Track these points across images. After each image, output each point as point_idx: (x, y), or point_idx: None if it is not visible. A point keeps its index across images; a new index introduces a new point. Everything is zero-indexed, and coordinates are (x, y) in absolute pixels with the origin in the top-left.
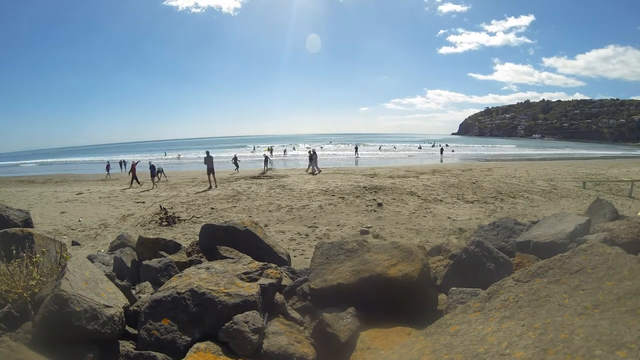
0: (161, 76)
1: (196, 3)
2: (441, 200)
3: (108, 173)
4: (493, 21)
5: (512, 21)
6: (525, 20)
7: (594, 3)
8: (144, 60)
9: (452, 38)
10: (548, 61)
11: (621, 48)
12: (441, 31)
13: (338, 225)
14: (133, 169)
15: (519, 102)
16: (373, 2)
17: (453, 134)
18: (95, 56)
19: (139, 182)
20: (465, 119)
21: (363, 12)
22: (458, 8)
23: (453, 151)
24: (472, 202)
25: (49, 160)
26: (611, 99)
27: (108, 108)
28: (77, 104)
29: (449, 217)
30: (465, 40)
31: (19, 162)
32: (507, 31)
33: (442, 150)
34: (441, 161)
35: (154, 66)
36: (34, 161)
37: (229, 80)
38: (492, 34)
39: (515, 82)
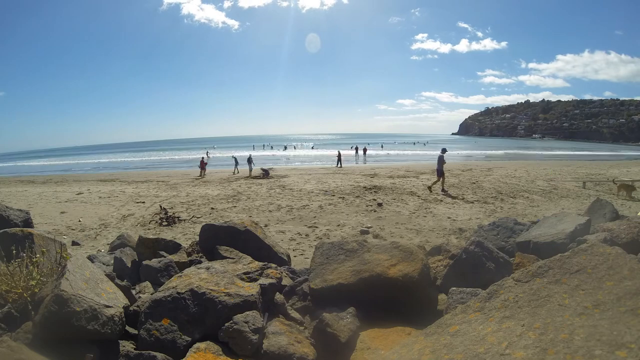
0: (165, 80)
1: (209, 19)
2: (441, 200)
3: None
4: (452, 32)
5: (469, 30)
6: (485, 29)
7: (559, 12)
8: (150, 66)
9: (419, 45)
10: (522, 65)
11: (592, 53)
12: (408, 42)
13: (338, 225)
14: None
15: (519, 102)
16: (353, 16)
17: (453, 133)
18: (118, 61)
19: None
20: (465, 119)
21: (344, 24)
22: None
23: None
24: (472, 202)
25: (47, 161)
26: (611, 99)
27: (118, 109)
28: (86, 105)
29: (449, 217)
30: (431, 47)
31: (18, 161)
32: (470, 40)
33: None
34: None
35: (160, 71)
36: (34, 161)
37: (231, 85)
38: (456, 42)
39: (496, 84)
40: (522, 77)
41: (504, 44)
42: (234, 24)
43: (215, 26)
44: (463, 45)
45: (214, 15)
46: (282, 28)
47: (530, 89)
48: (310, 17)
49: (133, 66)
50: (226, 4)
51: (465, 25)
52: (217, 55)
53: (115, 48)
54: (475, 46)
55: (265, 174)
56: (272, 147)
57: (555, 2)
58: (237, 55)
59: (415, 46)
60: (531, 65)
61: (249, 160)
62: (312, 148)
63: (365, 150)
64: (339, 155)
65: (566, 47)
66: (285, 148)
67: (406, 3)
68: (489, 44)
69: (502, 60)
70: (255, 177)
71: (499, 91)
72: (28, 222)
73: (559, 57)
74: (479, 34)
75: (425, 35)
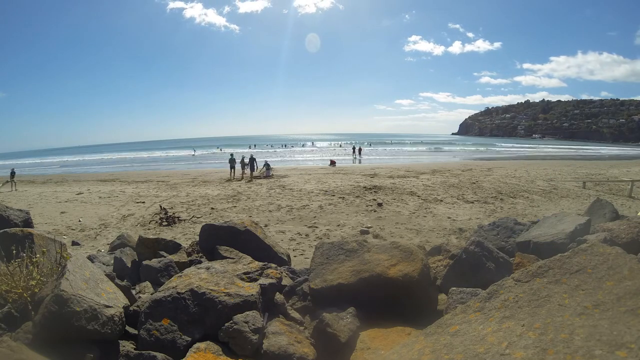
0: (168, 80)
1: (210, 22)
2: (441, 200)
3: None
4: (444, 32)
5: (460, 31)
6: (476, 30)
7: (550, 14)
8: (152, 67)
9: (413, 47)
10: (517, 65)
11: (585, 54)
12: (402, 44)
13: (338, 225)
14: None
15: (519, 102)
16: (348, 20)
17: (453, 133)
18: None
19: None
20: (465, 119)
21: (340, 28)
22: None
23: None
24: (472, 202)
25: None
26: (611, 99)
27: (117, 109)
28: (87, 106)
29: (449, 217)
30: (425, 49)
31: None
32: (463, 42)
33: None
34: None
35: (162, 72)
36: (35, 160)
37: (230, 86)
38: (450, 44)
39: (492, 84)
40: (517, 78)
41: (497, 44)
42: (234, 28)
43: (217, 30)
44: (456, 47)
45: (215, 20)
46: (280, 32)
47: (526, 89)
48: (307, 22)
49: (136, 68)
50: (226, 9)
51: (457, 26)
52: (217, 58)
53: (118, 50)
54: (469, 47)
55: (267, 172)
56: (272, 146)
57: (546, 3)
58: (236, 57)
59: (409, 47)
60: (526, 65)
61: (266, 164)
62: (312, 144)
63: (360, 149)
64: (332, 162)
65: (559, 48)
66: (285, 146)
67: (397, 7)
68: (482, 45)
69: (497, 61)
70: (256, 177)
71: (496, 91)
72: (28, 222)
73: (553, 58)
74: (470, 34)
75: (419, 37)
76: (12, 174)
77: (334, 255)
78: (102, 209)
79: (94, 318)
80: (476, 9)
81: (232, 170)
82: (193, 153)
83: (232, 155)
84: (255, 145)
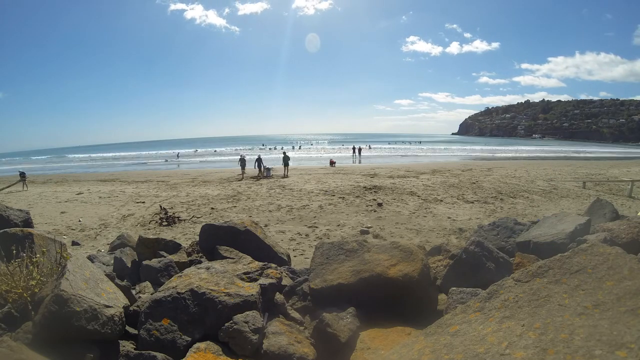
0: (169, 81)
1: (210, 24)
2: (441, 200)
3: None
4: (440, 32)
5: (458, 31)
6: (474, 30)
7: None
8: (154, 66)
9: (411, 47)
10: (516, 66)
11: (582, 54)
12: (400, 45)
13: (338, 225)
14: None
15: (519, 102)
16: (346, 22)
17: (453, 133)
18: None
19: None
20: (466, 119)
21: (339, 30)
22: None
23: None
24: (472, 202)
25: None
26: (611, 99)
27: (119, 109)
28: (89, 107)
29: (449, 217)
30: (423, 49)
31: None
32: (461, 42)
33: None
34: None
35: (161, 72)
36: (37, 163)
37: (229, 86)
38: (447, 45)
39: (491, 84)
40: (516, 78)
41: (495, 45)
42: (235, 29)
43: (217, 31)
44: (454, 47)
45: (215, 21)
46: (279, 33)
47: (525, 89)
48: (306, 23)
49: (137, 68)
50: (226, 11)
51: (454, 26)
52: (217, 59)
53: (119, 51)
54: (467, 47)
55: (267, 173)
56: (274, 148)
57: (543, 3)
58: (236, 58)
59: (407, 48)
60: (524, 66)
61: (258, 160)
62: (312, 145)
63: (360, 149)
64: (332, 162)
65: (556, 48)
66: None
67: (395, 8)
68: (480, 45)
69: (495, 61)
70: (255, 177)
71: (495, 91)
72: (28, 222)
73: (551, 59)
74: (467, 35)
75: (417, 37)
76: (22, 174)
77: (334, 255)
78: (102, 209)
79: (94, 318)
80: (472, 10)
81: (258, 170)
82: (177, 157)
83: (259, 156)
84: (242, 149)
